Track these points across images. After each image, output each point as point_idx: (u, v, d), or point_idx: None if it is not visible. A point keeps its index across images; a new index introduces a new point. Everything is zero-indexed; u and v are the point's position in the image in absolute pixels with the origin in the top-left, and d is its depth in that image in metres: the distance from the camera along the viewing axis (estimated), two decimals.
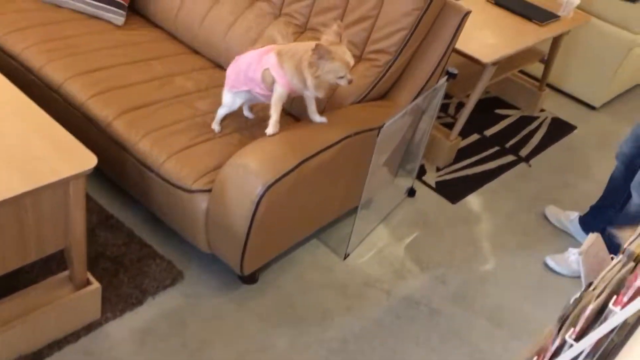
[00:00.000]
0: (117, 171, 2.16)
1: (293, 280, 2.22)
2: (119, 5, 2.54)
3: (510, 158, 3.14)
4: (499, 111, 3.49)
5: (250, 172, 1.82)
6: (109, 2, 2.52)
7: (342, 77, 1.89)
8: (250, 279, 2.16)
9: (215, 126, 2.12)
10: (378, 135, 2.11)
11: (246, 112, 2.21)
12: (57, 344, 1.80)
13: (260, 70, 1.96)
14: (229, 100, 2.09)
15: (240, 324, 2.03)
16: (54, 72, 2.21)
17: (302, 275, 2.25)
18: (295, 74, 1.90)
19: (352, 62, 1.90)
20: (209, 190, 1.92)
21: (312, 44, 1.83)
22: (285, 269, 2.25)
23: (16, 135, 1.63)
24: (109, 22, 2.55)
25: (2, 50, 2.32)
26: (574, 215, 2.68)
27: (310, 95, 2.00)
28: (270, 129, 1.95)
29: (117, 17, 2.55)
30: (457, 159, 3.02)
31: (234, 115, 2.19)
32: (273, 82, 1.95)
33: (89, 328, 1.87)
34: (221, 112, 2.12)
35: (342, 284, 2.26)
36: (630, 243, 1.80)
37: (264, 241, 1.99)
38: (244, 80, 2.02)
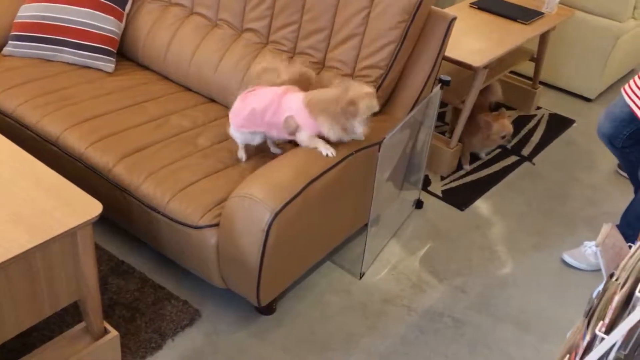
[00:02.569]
0: (124, 216, 2.15)
1: (311, 306, 2.19)
2: (108, 53, 2.56)
3: (513, 159, 3.12)
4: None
5: (256, 201, 1.81)
6: (98, 51, 2.54)
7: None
8: (268, 309, 2.13)
9: (241, 153, 2.15)
10: (379, 150, 2.10)
11: (273, 149, 2.20)
12: None
13: (282, 116, 1.99)
14: (242, 138, 2.11)
15: (264, 355, 1.99)
16: (50, 125, 2.21)
17: (320, 300, 2.22)
18: (331, 127, 1.96)
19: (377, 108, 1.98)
20: (217, 225, 1.90)
21: (341, 93, 1.92)
22: (302, 295, 2.23)
23: (19, 191, 1.62)
24: (99, 70, 2.56)
25: None
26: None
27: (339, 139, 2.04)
28: (329, 152, 2.00)
29: (107, 64, 2.56)
30: (460, 166, 3.00)
31: (233, 146, 2.18)
32: (297, 127, 2.00)
33: None
34: (240, 144, 2.14)
35: (361, 303, 2.23)
36: None
37: (278, 269, 1.96)
38: (261, 123, 2.03)
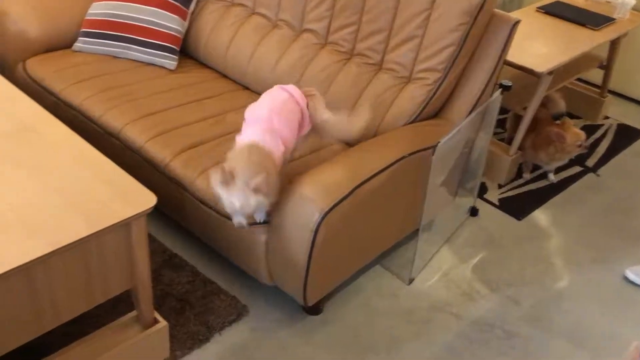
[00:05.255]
0: (178, 210, 2.20)
1: (358, 308, 2.17)
2: (171, 51, 2.63)
3: (576, 169, 3.01)
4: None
5: (306, 200, 1.81)
6: (162, 49, 2.61)
7: None
8: (315, 309, 2.13)
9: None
10: (433, 154, 2.06)
11: None
12: None
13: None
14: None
15: (306, 358, 1.99)
16: (113, 119, 2.29)
17: (367, 303, 2.20)
18: None
19: None
20: (268, 222, 1.92)
21: None
22: (349, 298, 2.21)
23: (78, 181, 1.69)
24: (162, 67, 2.64)
25: (64, 102, 2.43)
26: None
27: None
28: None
29: (170, 62, 2.63)
30: (519, 174, 2.92)
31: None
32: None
33: None
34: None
35: (409, 309, 2.19)
36: None
37: (326, 270, 1.96)
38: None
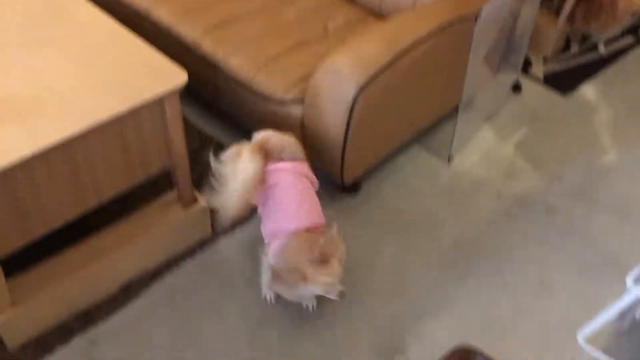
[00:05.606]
0: (211, 91, 2.16)
1: (397, 187, 2.16)
2: None
3: (629, 40, 2.82)
4: None
5: (341, 74, 1.74)
6: None
7: None
8: (353, 188, 2.12)
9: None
10: (476, 21, 1.94)
11: None
12: (174, 261, 1.88)
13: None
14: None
15: (348, 233, 2.00)
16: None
17: (406, 182, 2.18)
18: None
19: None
20: (303, 99, 1.87)
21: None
22: (387, 177, 2.19)
23: (112, 61, 1.65)
24: None
25: None
26: None
27: None
28: None
29: None
30: (566, 47, 2.75)
31: (322, 18, 2.10)
32: None
33: (202, 244, 1.93)
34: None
35: (449, 188, 2.17)
36: None
37: (363, 147, 1.92)
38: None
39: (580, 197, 2.14)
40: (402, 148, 2.27)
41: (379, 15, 2.21)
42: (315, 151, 1.95)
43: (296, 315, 1.78)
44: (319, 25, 2.13)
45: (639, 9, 2.55)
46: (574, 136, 2.37)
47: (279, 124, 1.96)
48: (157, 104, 1.58)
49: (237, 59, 1.97)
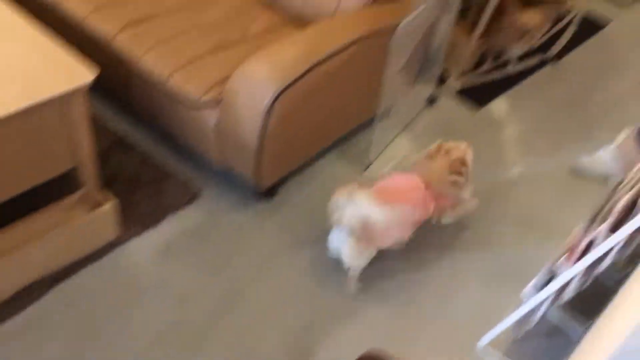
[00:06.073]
0: (125, 91, 2.09)
1: (313, 193, 2.17)
2: None
3: (538, 59, 2.97)
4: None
5: (258, 80, 1.74)
6: None
7: None
8: (269, 193, 2.11)
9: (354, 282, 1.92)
10: (393, 36, 1.98)
11: None
12: (80, 263, 1.80)
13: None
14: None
15: (261, 237, 2.00)
16: None
17: (323, 188, 2.19)
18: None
19: None
20: (218, 103, 1.85)
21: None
22: (304, 182, 2.20)
23: (15, 56, 1.57)
24: None
25: None
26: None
27: None
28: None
29: None
30: (481, 63, 2.86)
31: (243, 22, 2.08)
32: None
33: (111, 246, 1.86)
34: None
35: None
36: None
37: (279, 153, 1.92)
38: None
39: (486, 209, 2.22)
40: (320, 154, 2.29)
41: (300, 21, 2.22)
42: (230, 156, 1.93)
43: (204, 324, 1.75)
44: (239, 29, 2.11)
45: (537, 27, 2.69)
46: (484, 149, 2.47)
47: (193, 127, 1.93)
48: (61, 102, 1.52)
49: (152, 58, 1.92)
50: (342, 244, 1.75)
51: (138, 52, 1.95)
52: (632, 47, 3.17)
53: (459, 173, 1.92)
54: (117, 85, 2.10)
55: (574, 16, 3.29)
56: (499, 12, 2.72)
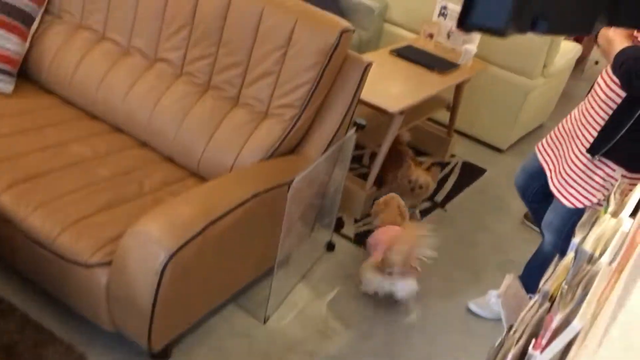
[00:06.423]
0: (7, 251, 1.97)
1: (209, 352, 2.07)
2: (6, 73, 2.39)
3: (426, 205, 3.15)
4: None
5: (151, 239, 1.70)
6: None
7: None
8: (163, 354, 1.99)
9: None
10: (289, 191, 2.04)
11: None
12: None
13: None
14: None
15: None
16: None
17: (220, 346, 2.11)
18: None
19: None
20: (109, 263, 1.78)
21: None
22: (200, 340, 2.11)
23: None
24: None
25: None
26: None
27: None
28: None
29: (4, 85, 2.39)
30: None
31: (138, 176, 2.07)
32: None
33: None
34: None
35: (264, 351, 2.13)
36: (545, 282, 1.79)
37: (173, 312, 1.85)
38: None
39: (386, 357, 2.22)
40: (218, 308, 2.22)
41: (198, 175, 2.25)
42: (121, 318, 1.83)
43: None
44: (135, 183, 2.10)
45: (425, 185, 2.89)
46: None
47: (82, 289, 1.83)
48: None
49: (39, 218, 1.85)
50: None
51: (25, 210, 1.87)
52: (508, 190, 3.46)
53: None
54: (0, 246, 1.98)
55: (456, 164, 3.58)
56: (395, 164, 2.91)
